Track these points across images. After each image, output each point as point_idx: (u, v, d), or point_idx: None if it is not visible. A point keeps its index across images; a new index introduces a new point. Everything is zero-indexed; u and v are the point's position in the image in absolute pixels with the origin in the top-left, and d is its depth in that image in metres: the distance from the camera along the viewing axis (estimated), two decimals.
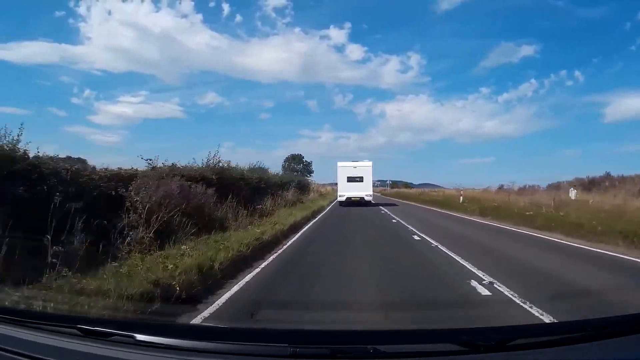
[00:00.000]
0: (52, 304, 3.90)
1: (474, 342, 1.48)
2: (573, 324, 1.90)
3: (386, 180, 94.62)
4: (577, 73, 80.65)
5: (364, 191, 28.28)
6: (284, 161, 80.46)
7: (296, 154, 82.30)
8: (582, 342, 1.54)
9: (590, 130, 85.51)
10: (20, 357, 1.50)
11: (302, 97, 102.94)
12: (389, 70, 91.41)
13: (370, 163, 30.01)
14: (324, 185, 56.86)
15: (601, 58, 77.00)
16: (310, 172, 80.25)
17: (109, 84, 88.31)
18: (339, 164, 29.76)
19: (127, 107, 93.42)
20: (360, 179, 28.49)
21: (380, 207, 27.62)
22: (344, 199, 28.28)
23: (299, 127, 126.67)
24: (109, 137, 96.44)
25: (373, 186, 32.45)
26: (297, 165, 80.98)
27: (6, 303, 3.80)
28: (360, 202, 27.55)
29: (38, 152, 7.03)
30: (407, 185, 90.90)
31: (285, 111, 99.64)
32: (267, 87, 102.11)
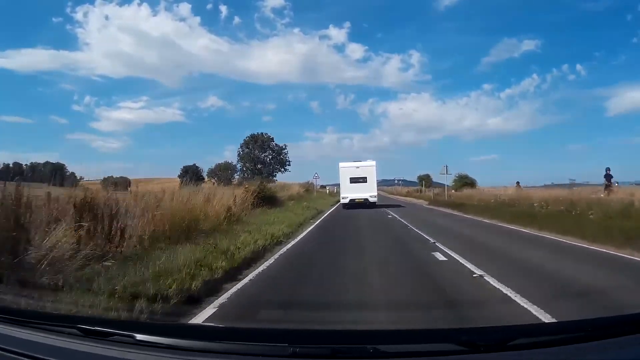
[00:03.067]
0: None
1: (474, 342, 1.48)
2: (573, 324, 1.89)
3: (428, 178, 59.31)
4: (579, 67, 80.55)
5: (367, 192, 27.06)
6: (240, 146, 53.51)
7: (259, 133, 53.88)
8: (582, 342, 1.54)
9: (595, 125, 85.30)
10: (20, 357, 1.50)
11: (304, 99, 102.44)
12: (391, 69, 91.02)
13: (373, 162, 28.79)
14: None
15: (604, 51, 76.83)
16: (284, 163, 54.29)
17: (110, 90, 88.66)
18: (341, 164, 28.66)
19: (128, 112, 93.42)
20: (364, 180, 27.27)
21: None
22: (347, 200, 26.98)
23: (302, 129, 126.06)
24: (111, 143, 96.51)
25: (393, 186, 30.55)
26: (262, 152, 53.51)
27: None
28: (364, 204, 26.13)
29: None
30: (469, 180, 44.30)
31: (288, 113, 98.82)
32: (268, 90, 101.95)
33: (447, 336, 1.65)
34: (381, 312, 5.06)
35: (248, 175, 43.82)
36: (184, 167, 48.39)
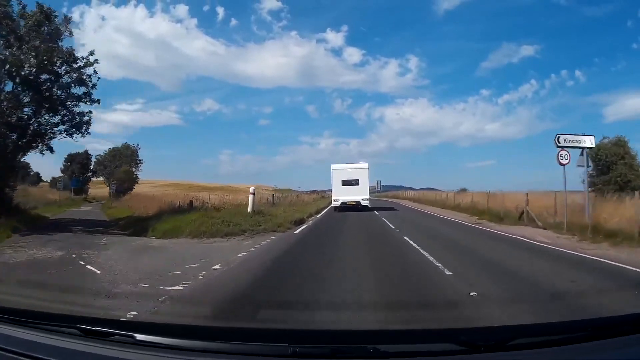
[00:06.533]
0: None
1: (474, 342, 1.48)
2: (573, 323, 1.89)
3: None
4: (578, 73, 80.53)
5: (360, 195, 26.46)
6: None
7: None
8: (582, 342, 1.54)
9: (593, 131, 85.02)
10: (20, 357, 1.50)
11: (301, 103, 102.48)
12: (388, 73, 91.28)
13: (366, 165, 28.18)
14: None
15: (603, 58, 76.63)
16: (80, 120, 16.54)
17: (105, 91, 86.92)
18: (333, 166, 28.03)
19: (124, 115, 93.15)
20: (356, 182, 26.67)
21: None
22: (338, 203, 26.37)
23: (299, 133, 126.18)
24: (107, 145, 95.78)
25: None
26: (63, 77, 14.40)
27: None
28: (356, 208, 25.54)
29: None
30: None
31: (285, 117, 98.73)
32: (265, 93, 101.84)
33: (447, 336, 1.64)
34: None
35: None
36: (68, 155, 34.72)
